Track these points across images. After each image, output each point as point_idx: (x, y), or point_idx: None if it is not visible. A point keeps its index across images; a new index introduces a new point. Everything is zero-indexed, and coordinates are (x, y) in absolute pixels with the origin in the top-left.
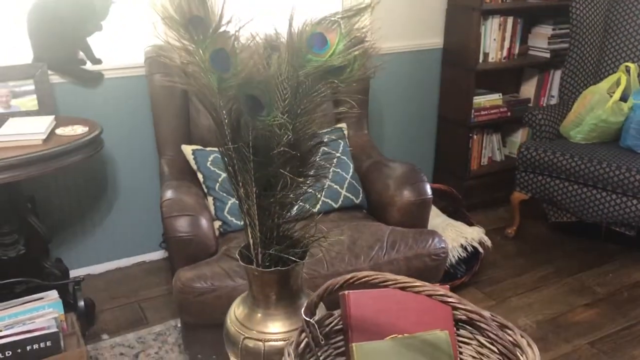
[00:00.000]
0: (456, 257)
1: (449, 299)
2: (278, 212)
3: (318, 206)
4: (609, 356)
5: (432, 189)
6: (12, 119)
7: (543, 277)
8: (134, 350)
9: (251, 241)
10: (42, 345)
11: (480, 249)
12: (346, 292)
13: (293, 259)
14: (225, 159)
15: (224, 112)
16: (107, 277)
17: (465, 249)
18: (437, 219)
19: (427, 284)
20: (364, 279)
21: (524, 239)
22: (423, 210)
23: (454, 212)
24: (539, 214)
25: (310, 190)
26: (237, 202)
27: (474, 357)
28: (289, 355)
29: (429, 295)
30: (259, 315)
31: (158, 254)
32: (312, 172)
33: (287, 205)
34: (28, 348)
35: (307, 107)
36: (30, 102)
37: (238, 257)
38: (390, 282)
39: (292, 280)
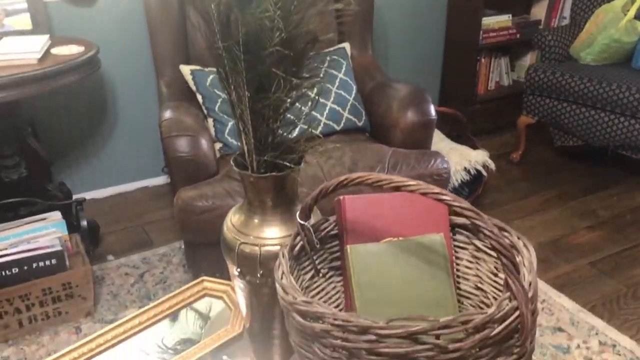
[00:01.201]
0: (459, 181)
1: (444, 197)
2: (272, 116)
3: (314, 106)
4: (609, 276)
5: (437, 112)
6: (6, 38)
7: (546, 201)
8: (139, 271)
9: (245, 148)
10: (47, 263)
11: (484, 172)
12: (341, 196)
13: (288, 164)
14: (216, 59)
15: (212, 5)
16: (111, 202)
17: (469, 172)
18: (440, 143)
19: (422, 182)
20: (357, 180)
21: (529, 164)
22: (426, 131)
23: (459, 137)
24: (545, 139)
25: (306, 92)
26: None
27: (470, 261)
28: (283, 256)
29: (424, 194)
30: (256, 221)
31: (161, 179)
32: (306, 74)
33: (281, 109)
34: (34, 265)
35: (301, 4)
36: (23, 20)
37: (233, 163)
38: (384, 182)
39: (287, 187)
